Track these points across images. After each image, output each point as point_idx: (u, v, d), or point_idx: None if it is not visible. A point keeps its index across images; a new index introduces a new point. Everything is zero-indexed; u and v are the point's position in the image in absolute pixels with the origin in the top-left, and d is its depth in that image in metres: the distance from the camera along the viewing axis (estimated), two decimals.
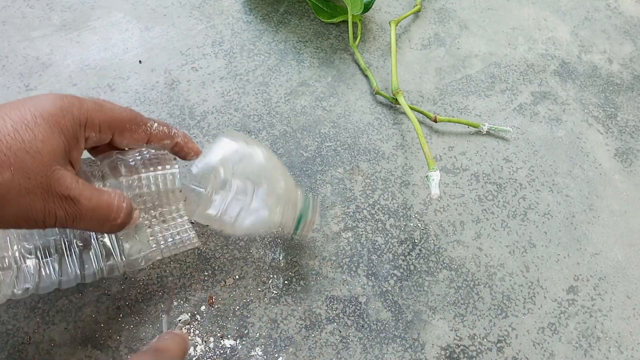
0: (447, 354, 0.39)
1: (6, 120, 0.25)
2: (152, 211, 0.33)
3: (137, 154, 0.32)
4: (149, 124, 0.31)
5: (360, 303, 0.40)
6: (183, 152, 0.34)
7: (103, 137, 0.29)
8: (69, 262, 0.31)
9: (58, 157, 0.26)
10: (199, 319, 0.38)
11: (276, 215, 0.35)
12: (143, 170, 0.32)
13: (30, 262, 0.30)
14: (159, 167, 0.32)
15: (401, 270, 0.42)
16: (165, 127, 0.32)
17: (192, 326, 0.37)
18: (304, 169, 0.46)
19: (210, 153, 0.34)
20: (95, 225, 0.28)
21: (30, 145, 0.24)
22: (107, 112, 0.29)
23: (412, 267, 0.42)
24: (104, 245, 0.32)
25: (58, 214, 0.26)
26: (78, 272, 0.31)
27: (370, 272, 0.41)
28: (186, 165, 0.34)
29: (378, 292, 0.41)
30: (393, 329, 0.39)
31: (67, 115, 0.26)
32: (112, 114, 0.29)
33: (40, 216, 0.26)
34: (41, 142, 0.25)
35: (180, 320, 0.37)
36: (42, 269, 0.30)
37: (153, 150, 0.33)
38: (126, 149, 0.32)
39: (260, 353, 0.37)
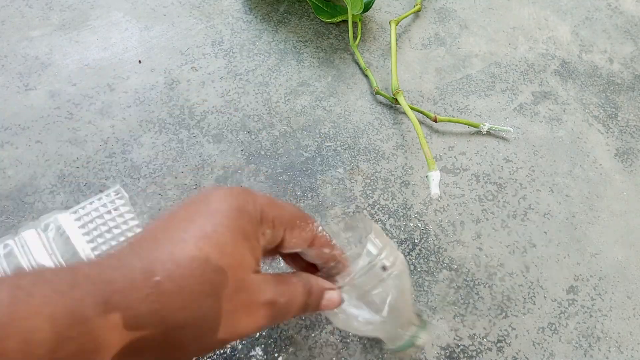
0: (447, 354, 0.39)
1: (187, 241, 0.23)
2: None
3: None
4: (315, 224, 0.29)
5: None
6: (337, 267, 0.32)
7: (276, 233, 0.27)
8: None
9: (247, 266, 0.24)
10: None
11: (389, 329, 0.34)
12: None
13: None
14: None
15: None
16: (327, 234, 0.30)
17: None
18: (304, 169, 0.46)
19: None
20: (294, 314, 0.28)
21: (220, 264, 0.23)
22: (278, 207, 0.27)
23: (412, 267, 0.42)
24: None
25: (261, 323, 0.25)
26: None
27: None
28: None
29: None
30: None
31: (245, 216, 0.25)
32: (283, 210, 0.27)
33: (251, 330, 0.25)
34: (230, 257, 0.23)
35: None
36: None
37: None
38: (289, 250, 0.31)
39: (260, 353, 0.37)
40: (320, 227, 0.30)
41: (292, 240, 0.28)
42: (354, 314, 0.32)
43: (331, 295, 0.30)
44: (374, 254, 0.32)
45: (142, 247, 0.23)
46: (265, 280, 0.26)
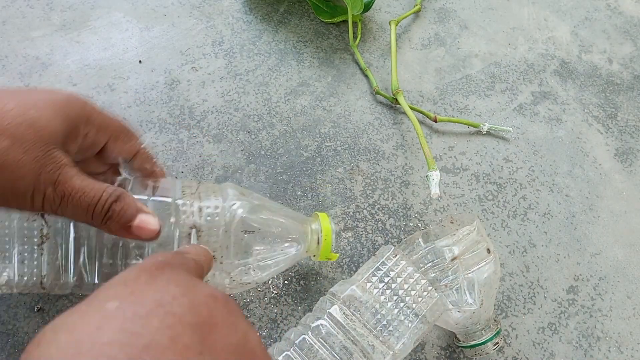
0: (447, 354, 0.39)
1: (17, 100, 0.26)
2: None
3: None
4: (139, 140, 0.32)
5: None
6: (152, 179, 0.33)
7: (99, 138, 0.30)
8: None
9: (58, 139, 0.27)
10: None
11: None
12: None
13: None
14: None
15: None
16: (149, 152, 0.33)
17: None
18: (304, 169, 0.46)
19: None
20: (81, 213, 0.27)
21: (34, 122, 0.25)
22: (106, 116, 0.30)
23: None
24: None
25: (47, 192, 0.26)
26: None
27: None
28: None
29: None
30: None
31: (74, 107, 0.28)
32: (111, 120, 0.30)
33: (30, 191, 0.26)
34: (45, 121, 0.26)
35: None
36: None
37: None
38: (114, 161, 0.32)
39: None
40: (144, 144, 0.32)
41: (115, 150, 0.30)
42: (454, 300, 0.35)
43: (146, 218, 0.27)
44: (483, 236, 0.37)
45: None
46: (71, 163, 0.26)
